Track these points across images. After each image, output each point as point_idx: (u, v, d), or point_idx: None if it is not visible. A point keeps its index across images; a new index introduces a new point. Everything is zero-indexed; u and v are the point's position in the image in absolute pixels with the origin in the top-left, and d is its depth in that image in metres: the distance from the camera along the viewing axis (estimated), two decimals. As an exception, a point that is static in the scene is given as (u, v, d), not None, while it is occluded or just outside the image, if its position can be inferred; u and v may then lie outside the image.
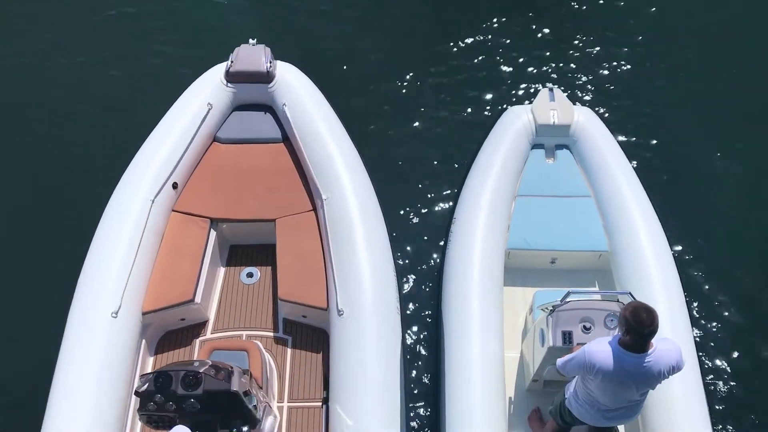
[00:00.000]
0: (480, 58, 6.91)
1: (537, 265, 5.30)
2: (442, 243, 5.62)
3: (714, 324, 5.55)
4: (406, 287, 5.71)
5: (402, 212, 6.08)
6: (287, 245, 5.02)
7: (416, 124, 6.53)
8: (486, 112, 6.16)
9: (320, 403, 4.85)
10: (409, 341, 5.50)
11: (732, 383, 5.29)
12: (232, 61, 5.43)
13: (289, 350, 5.06)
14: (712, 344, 5.46)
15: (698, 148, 6.38)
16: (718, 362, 5.39)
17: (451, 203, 5.50)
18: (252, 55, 5.43)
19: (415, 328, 5.56)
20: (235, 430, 3.88)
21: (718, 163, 6.29)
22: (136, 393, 3.86)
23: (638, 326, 3.30)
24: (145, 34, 7.05)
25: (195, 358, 4.92)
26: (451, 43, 7.00)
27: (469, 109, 6.64)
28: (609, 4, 7.32)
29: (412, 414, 5.22)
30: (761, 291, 5.72)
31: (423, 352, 5.51)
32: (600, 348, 3.51)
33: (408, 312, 5.61)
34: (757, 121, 6.55)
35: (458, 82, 6.79)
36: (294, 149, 5.35)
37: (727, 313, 5.61)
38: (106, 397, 4.36)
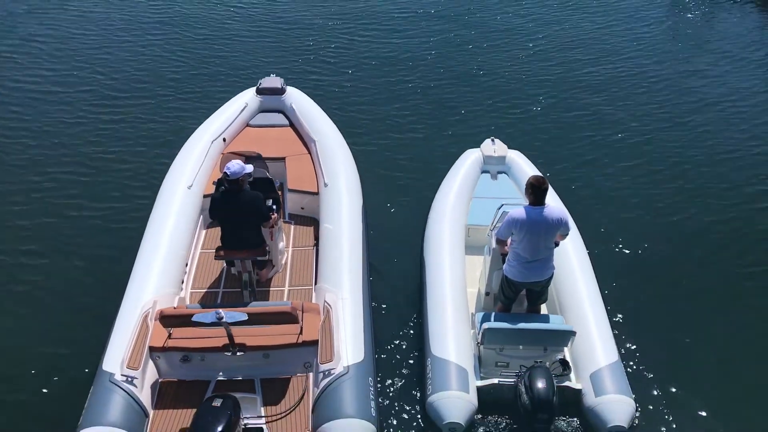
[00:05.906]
0: (449, 118, 10.74)
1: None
2: (422, 221, 7.93)
3: (605, 255, 8.07)
4: (398, 248, 8.03)
5: (390, 205, 8.80)
6: (293, 165, 8.18)
7: (403, 157, 9.85)
8: (451, 152, 9.03)
9: (312, 247, 7.55)
10: (401, 280, 7.66)
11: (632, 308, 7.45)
12: (260, 83, 9.17)
13: (292, 226, 7.94)
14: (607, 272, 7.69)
15: (591, 166, 9.78)
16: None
17: (427, 202, 8.05)
18: (273, 80, 9.22)
19: (406, 270, 7.75)
20: (267, 205, 6.65)
21: (608, 171, 9.68)
22: (214, 182, 7.00)
23: (536, 183, 5.80)
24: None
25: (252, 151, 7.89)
26: (426, 108, 11.02)
27: (438, 152, 9.77)
28: (547, 85, 11.51)
29: (404, 322, 7.21)
30: (643, 248, 8.26)
31: (411, 283, 7.60)
32: (516, 210, 5.96)
33: (400, 263, 7.89)
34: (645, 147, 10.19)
35: (432, 134, 10.40)
36: (297, 131, 8.79)
37: (619, 254, 8.18)
38: (179, 235, 7.10)
